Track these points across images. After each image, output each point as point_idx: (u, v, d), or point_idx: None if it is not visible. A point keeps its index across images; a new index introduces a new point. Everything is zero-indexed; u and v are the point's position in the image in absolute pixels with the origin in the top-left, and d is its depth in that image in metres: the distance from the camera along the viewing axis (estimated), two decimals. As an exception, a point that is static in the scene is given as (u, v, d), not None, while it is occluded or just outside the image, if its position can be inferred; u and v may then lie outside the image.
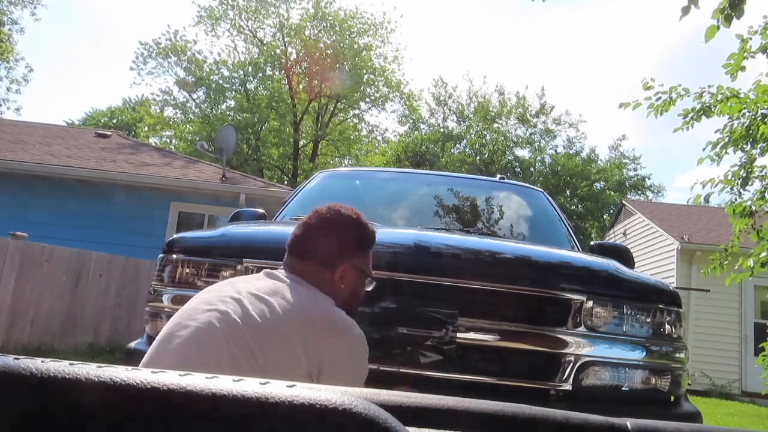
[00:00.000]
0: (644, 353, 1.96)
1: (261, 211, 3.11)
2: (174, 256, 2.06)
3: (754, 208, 5.42)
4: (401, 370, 1.81)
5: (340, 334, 1.37)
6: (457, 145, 26.67)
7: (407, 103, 24.83)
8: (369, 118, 27.78)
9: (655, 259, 12.32)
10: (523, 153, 26.78)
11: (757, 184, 5.54)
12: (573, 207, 25.11)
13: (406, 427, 0.38)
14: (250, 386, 0.36)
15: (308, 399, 0.36)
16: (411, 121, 26.67)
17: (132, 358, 1.96)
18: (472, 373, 1.86)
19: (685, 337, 2.19)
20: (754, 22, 4.95)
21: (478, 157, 25.95)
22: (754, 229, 5.40)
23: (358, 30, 22.21)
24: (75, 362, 0.37)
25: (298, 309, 1.33)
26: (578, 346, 1.88)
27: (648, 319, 1.99)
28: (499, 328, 1.87)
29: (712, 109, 5.19)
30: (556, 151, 26.63)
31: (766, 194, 5.45)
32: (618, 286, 2.05)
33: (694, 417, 1.98)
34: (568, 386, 1.86)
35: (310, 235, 1.51)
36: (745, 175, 5.38)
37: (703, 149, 5.44)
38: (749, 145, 5.27)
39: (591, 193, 25.39)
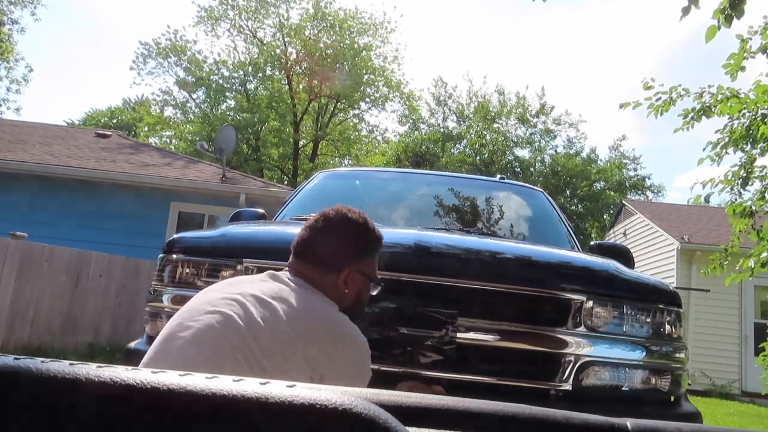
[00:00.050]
0: (644, 353, 1.96)
1: (261, 211, 3.11)
2: (174, 256, 2.06)
3: (754, 208, 5.42)
4: (401, 370, 1.81)
5: (343, 341, 1.36)
6: (457, 145, 26.67)
7: (407, 103, 24.84)
8: (369, 118, 27.81)
9: (655, 259, 12.33)
10: (523, 153, 26.82)
11: (757, 184, 5.54)
12: (573, 207, 25.11)
13: (406, 427, 0.38)
14: (250, 386, 0.36)
15: (308, 399, 0.36)
16: (411, 121, 26.68)
17: (132, 358, 1.95)
18: (472, 373, 1.86)
19: (685, 337, 2.18)
20: (754, 22, 4.96)
21: (478, 157, 25.94)
22: (754, 229, 5.40)
23: (358, 30, 22.22)
24: (75, 362, 0.37)
25: (302, 315, 1.32)
26: (578, 346, 1.88)
27: (648, 319, 1.99)
28: (499, 328, 1.87)
29: (712, 109, 5.19)
30: (556, 151, 26.65)
31: (766, 194, 5.45)
32: (618, 286, 2.05)
33: (694, 417, 1.98)
34: (568, 386, 1.86)
35: (316, 238, 1.49)
36: (745, 175, 5.38)
37: (703, 149, 5.45)
38: (749, 145, 5.27)
39: (591, 193, 25.39)
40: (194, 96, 22.57)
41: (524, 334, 1.89)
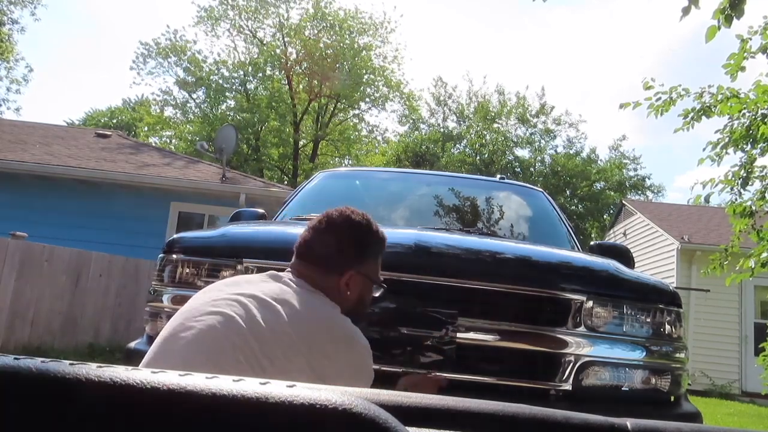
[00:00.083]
0: (644, 353, 1.96)
1: (261, 211, 3.11)
2: (174, 256, 2.06)
3: (754, 208, 5.42)
4: (401, 370, 1.81)
5: (345, 343, 1.36)
6: (457, 145, 26.67)
7: (407, 103, 24.84)
8: (369, 118, 27.82)
9: (655, 259, 12.33)
10: (523, 153, 26.82)
11: (757, 184, 5.54)
12: (573, 207, 25.10)
13: (406, 427, 0.38)
14: (250, 386, 0.36)
15: (308, 399, 0.36)
16: (411, 121, 26.68)
17: (132, 358, 1.96)
18: (472, 373, 1.86)
19: (685, 337, 2.18)
20: (754, 23, 4.96)
21: (478, 157, 25.94)
22: (754, 229, 5.40)
23: (357, 30, 22.22)
24: (75, 362, 0.37)
25: (304, 317, 1.32)
26: (578, 346, 1.88)
27: (648, 319, 1.99)
28: (499, 328, 1.87)
29: (712, 110, 5.19)
30: (556, 151, 26.65)
31: (766, 194, 5.45)
32: (618, 286, 2.05)
33: (694, 417, 1.98)
34: (568, 386, 1.86)
35: (319, 239, 1.48)
36: (745, 175, 5.38)
37: (703, 149, 5.45)
38: (749, 146, 5.27)
39: (591, 193, 25.39)
40: (194, 96, 22.58)
41: (524, 334, 1.89)
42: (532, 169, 25.85)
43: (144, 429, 0.35)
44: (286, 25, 21.79)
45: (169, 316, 1.46)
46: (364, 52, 22.04)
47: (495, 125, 26.30)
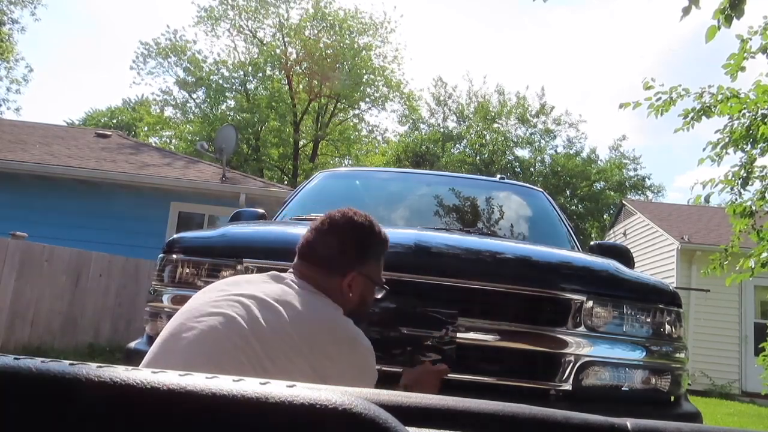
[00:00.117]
0: (644, 353, 1.96)
1: (261, 211, 3.11)
2: (174, 256, 2.06)
3: (754, 208, 5.42)
4: (401, 370, 1.81)
5: (347, 344, 1.36)
6: (457, 145, 26.68)
7: (407, 103, 24.84)
8: (369, 118, 27.84)
9: (655, 259, 12.33)
10: (523, 153, 26.82)
11: (757, 184, 5.54)
12: (573, 207, 25.11)
13: (406, 427, 0.38)
14: (250, 386, 0.36)
15: (308, 399, 0.36)
16: (411, 121, 26.68)
17: (132, 358, 1.95)
18: (472, 373, 1.86)
19: (685, 337, 2.18)
20: (754, 23, 4.96)
21: (478, 157, 25.94)
22: (754, 229, 5.40)
23: (357, 30, 22.22)
24: (75, 362, 0.37)
25: (306, 318, 1.31)
26: (578, 346, 1.88)
27: (648, 319, 1.99)
28: (499, 328, 1.87)
29: (712, 110, 5.19)
30: (556, 151, 26.65)
31: (766, 194, 5.45)
32: (618, 286, 2.04)
33: (694, 417, 1.98)
34: (568, 386, 1.86)
35: (321, 240, 1.48)
36: (745, 175, 5.38)
37: (704, 149, 5.45)
38: (749, 146, 5.27)
39: (591, 194, 25.39)
40: (194, 96, 22.58)
41: (524, 334, 1.89)
42: (532, 169, 25.85)
43: (144, 429, 0.35)
44: (286, 25, 21.79)
45: (169, 316, 1.46)
46: (364, 52, 22.04)
47: (495, 125, 26.30)
